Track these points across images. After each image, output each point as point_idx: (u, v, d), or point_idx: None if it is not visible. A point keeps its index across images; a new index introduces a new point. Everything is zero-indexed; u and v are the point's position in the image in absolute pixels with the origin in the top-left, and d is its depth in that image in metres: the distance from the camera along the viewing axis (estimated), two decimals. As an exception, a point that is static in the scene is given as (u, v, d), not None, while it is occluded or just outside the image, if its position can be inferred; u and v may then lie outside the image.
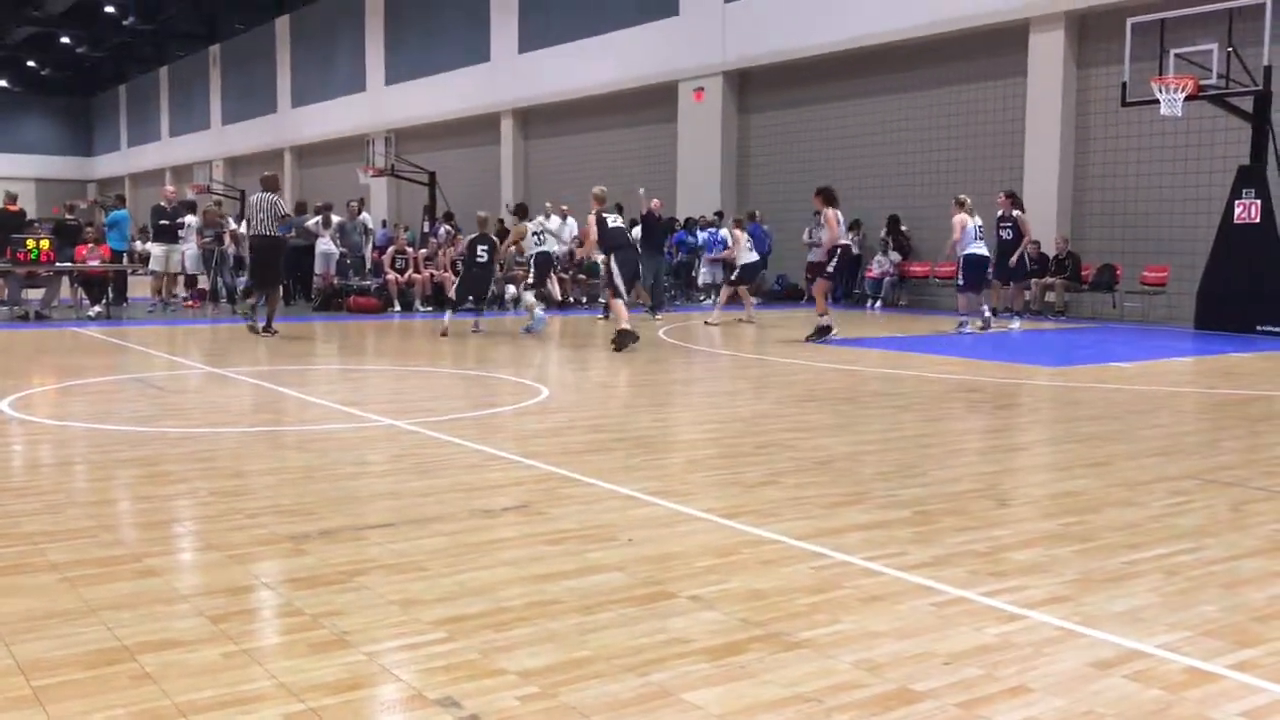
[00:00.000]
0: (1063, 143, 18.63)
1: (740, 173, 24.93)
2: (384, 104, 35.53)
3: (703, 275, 22.57)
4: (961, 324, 15.23)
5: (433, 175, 26.73)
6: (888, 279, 20.91)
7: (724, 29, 24.16)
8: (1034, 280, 18.19)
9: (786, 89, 23.56)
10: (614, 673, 3.08)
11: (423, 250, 20.90)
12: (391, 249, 20.24)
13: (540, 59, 29.21)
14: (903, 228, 20.97)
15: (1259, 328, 14.48)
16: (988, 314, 15.38)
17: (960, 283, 15.40)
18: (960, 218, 14.95)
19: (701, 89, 24.88)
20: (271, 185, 14.73)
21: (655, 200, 20.20)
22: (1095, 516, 5.08)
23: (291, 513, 4.99)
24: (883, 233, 21.07)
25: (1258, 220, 14.73)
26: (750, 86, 24.59)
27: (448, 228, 21.71)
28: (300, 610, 3.62)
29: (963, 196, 15.46)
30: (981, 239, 15.00)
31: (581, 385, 10.24)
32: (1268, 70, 14.44)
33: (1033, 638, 3.45)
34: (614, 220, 13.58)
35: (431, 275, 20.10)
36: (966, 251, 14.94)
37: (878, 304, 20.78)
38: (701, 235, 22.58)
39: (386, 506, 5.16)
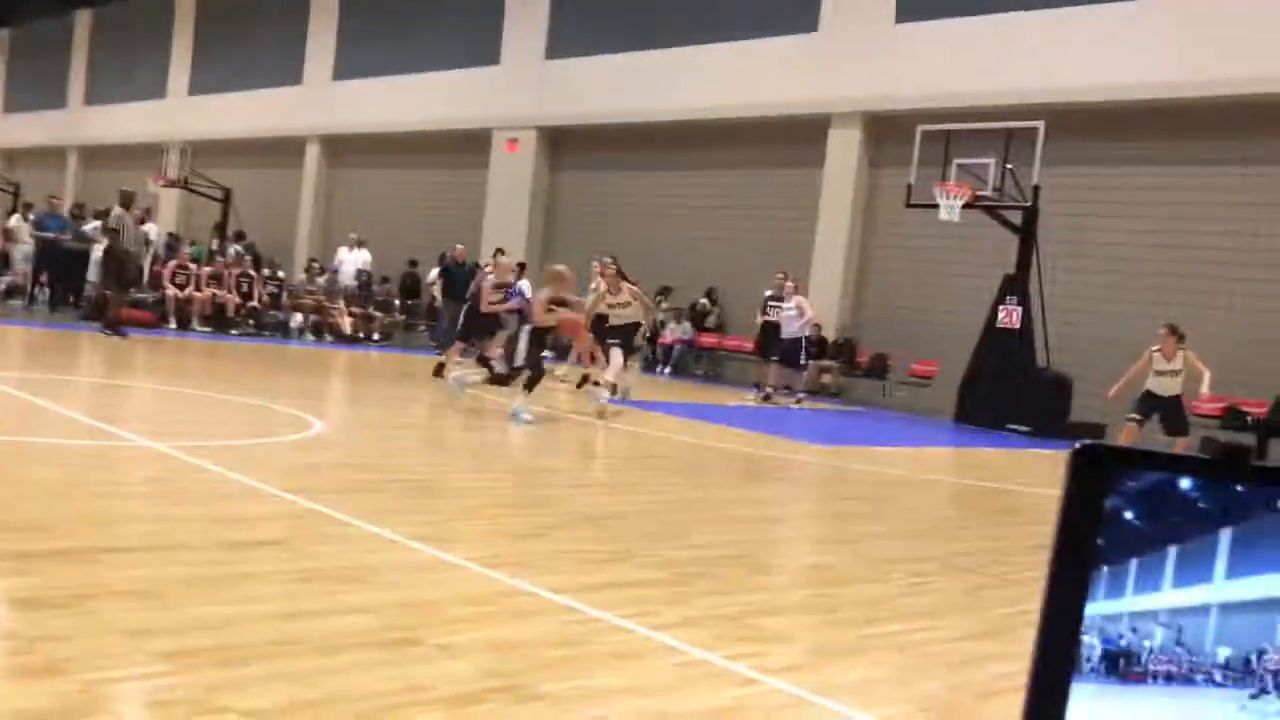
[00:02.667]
0: (850, 234, 19.63)
1: (547, 227, 25.09)
2: (184, 114, 34.10)
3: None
4: (767, 395, 16.05)
5: (228, 192, 25.78)
6: (678, 346, 21.40)
7: (542, 84, 24.41)
8: (812, 362, 18.99)
9: (599, 151, 23.96)
10: (343, 717, 3.01)
11: (208, 269, 20.07)
12: (174, 263, 19.36)
13: (355, 89, 28.74)
14: (702, 300, 21.56)
15: (1008, 426, 15.53)
16: (783, 391, 16.21)
17: (775, 357, 16.31)
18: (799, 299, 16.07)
19: (516, 140, 25.01)
20: None
21: (459, 247, 20.16)
22: (841, 590, 5.30)
23: (24, 529, 4.67)
24: (678, 303, 21.59)
25: (1018, 326, 15.86)
26: (564, 144, 24.88)
27: (238, 248, 20.95)
28: (15, 633, 3.38)
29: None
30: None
31: (358, 423, 10.01)
32: (1036, 189, 15.66)
33: (765, 703, 3.56)
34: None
35: (214, 295, 19.31)
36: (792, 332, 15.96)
37: (667, 370, 21.22)
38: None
39: (131, 530, 4.89)
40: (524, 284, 16.28)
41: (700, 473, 8.82)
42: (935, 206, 15.89)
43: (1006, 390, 15.55)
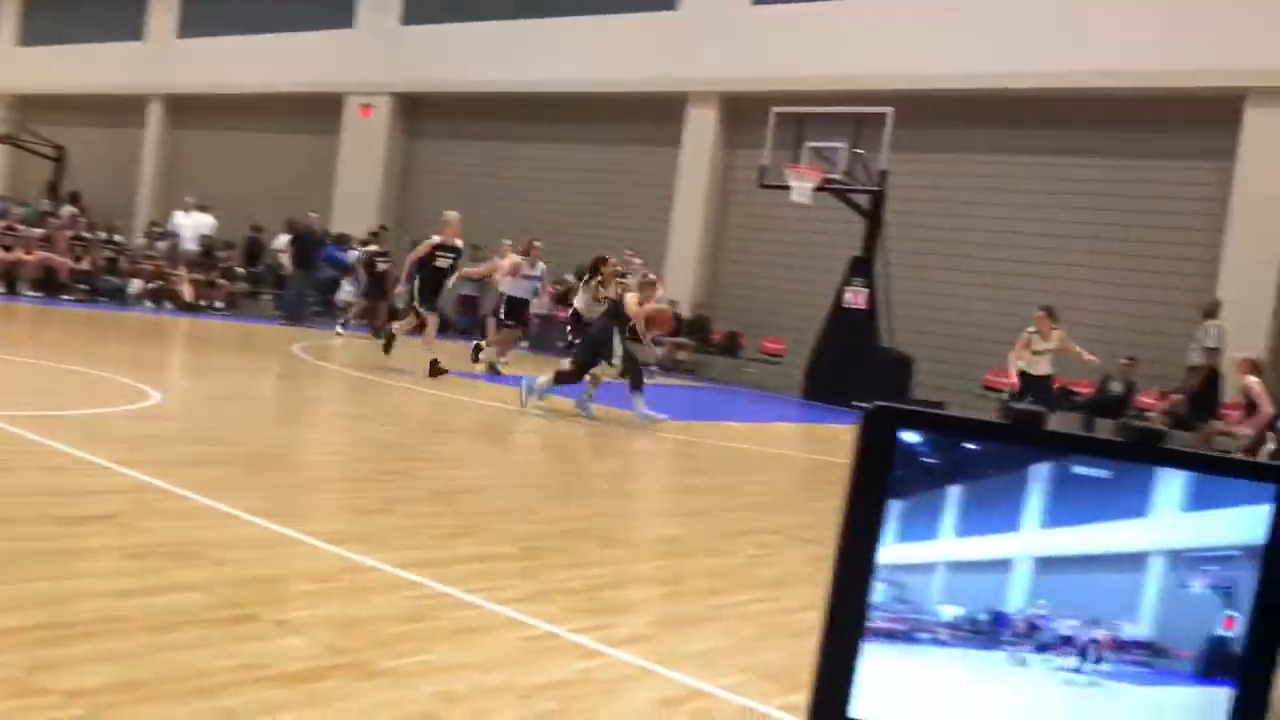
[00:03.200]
0: (706, 213, 19.85)
1: (402, 196, 24.63)
2: (12, 67, 32.16)
3: (344, 293, 21.98)
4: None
5: (61, 151, 24.49)
6: (535, 321, 21.29)
7: (399, 49, 23.89)
8: (667, 339, 19.17)
9: (457, 120, 23.60)
10: (176, 696, 2.92)
11: (38, 230, 19.04)
12: (2, 224, 18.31)
13: (201, 47, 27.58)
14: (568, 276, 21.49)
15: (854, 403, 15.99)
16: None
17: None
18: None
19: (370, 105, 24.42)
20: None
21: (312, 214, 19.68)
22: (687, 561, 5.39)
23: None
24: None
25: (864, 307, 16.33)
26: (420, 112, 24.42)
27: (73, 209, 19.94)
28: None
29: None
30: None
31: (198, 394, 9.67)
32: (884, 174, 16.11)
33: (610, 674, 3.60)
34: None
35: (45, 259, 18.33)
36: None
37: (525, 344, 21.10)
38: (355, 254, 22.03)
39: (-56, 505, 4.62)
40: (541, 266, 15.85)
41: (558, 448, 8.83)
42: (787, 188, 16.18)
43: (851, 369, 15.98)
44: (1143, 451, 0.72)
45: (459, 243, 13.31)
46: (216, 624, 3.56)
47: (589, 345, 10.89)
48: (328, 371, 12.81)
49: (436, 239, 13.06)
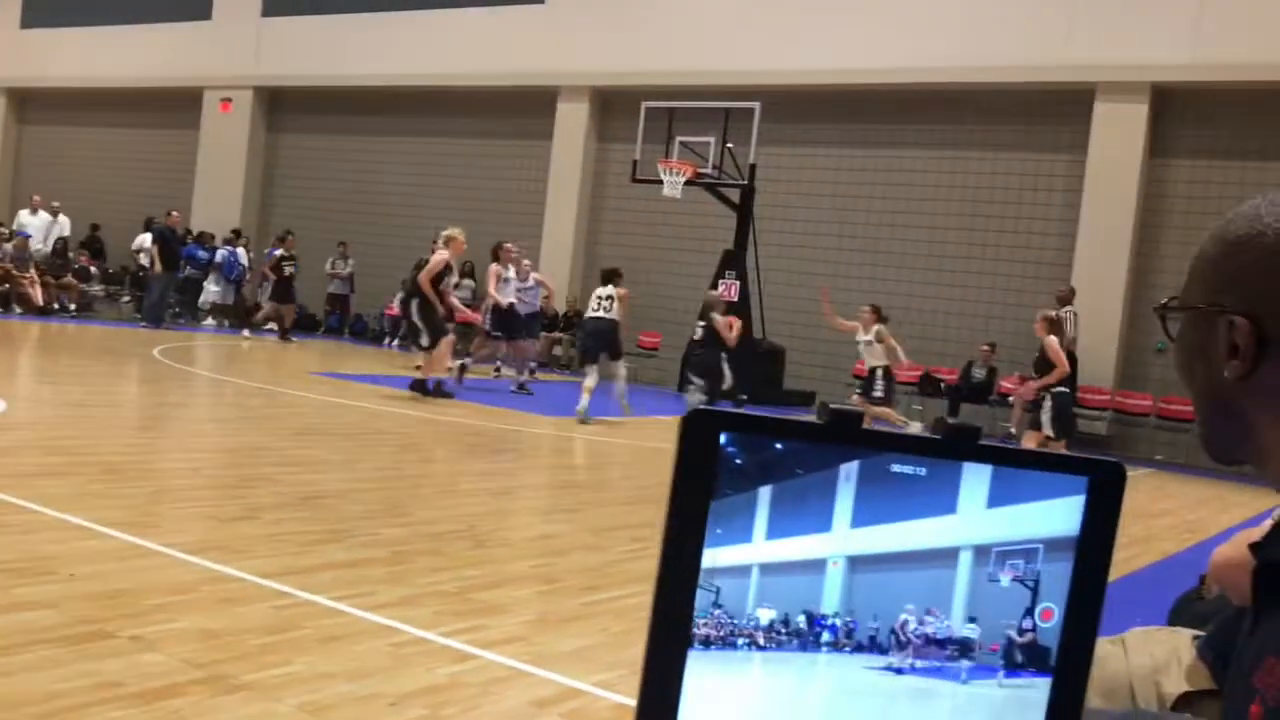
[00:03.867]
0: (579, 208, 19.82)
1: (265, 192, 23.97)
2: None
3: (209, 294, 21.34)
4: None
5: (-104, 148, 23.13)
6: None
7: (258, 42, 23.23)
8: (544, 334, 19.09)
9: (322, 114, 23.06)
10: (20, 721, 2.78)
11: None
12: None
13: (47, 38, 26.37)
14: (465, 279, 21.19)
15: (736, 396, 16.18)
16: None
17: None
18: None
19: (229, 100, 23.69)
20: None
21: (174, 213, 19.08)
22: (562, 559, 5.37)
23: None
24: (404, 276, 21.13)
25: (736, 299, 16.51)
26: (283, 106, 23.79)
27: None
28: None
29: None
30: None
31: (49, 401, 9.25)
32: (753, 167, 16.32)
33: (482, 677, 3.56)
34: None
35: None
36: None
37: (394, 342, 20.77)
38: (220, 253, 21.39)
39: None
40: (532, 275, 15.45)
41: (427, 448, 8.71)
42: (660, 182, 16.26)
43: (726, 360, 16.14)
44: (955, 448, 0.72)
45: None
46: (68, 642, 3.40)
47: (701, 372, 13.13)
48: (190, 375, 12.39)
49: (445, 254, 12.26)
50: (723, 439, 0.70)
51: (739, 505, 0.70)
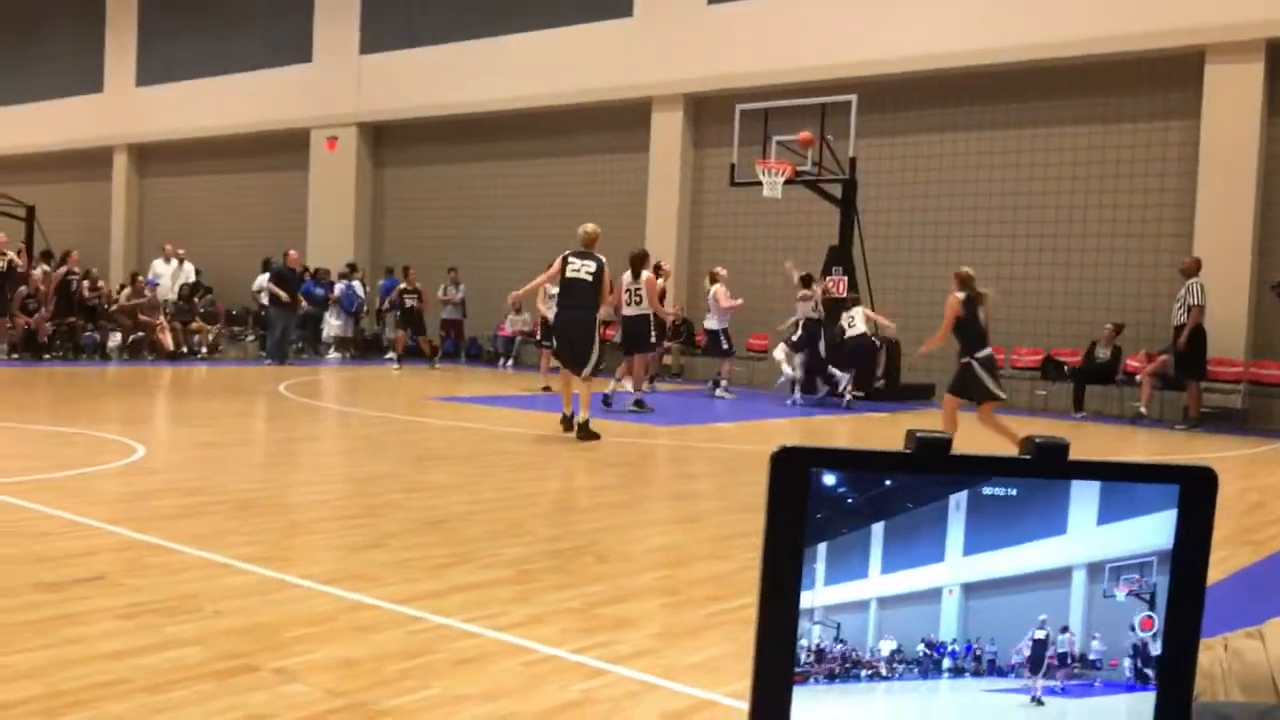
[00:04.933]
0: (679, 216, 19.85)
1: (375, 225, 24.61)
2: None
3: (330, 328, 22.03)
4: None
5: (31, 210, 24.37)
6: (519, 338, 21.26)
7: (359, 80, 23.89)
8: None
9: (423, 145, 23.59)
10: (176, 757, 2.89)
11: (22, 288, 18.91)
12: (23, 290, 18.23)
13: (161, 94, 27.54)
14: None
15: (839, 392, 15.97)
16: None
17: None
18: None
19: (335, 138, 24.40)
20: None
21: (292, 253, 19.85)
22: (684, 570, 5.38)
23: None
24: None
25: (844, 295, 16.32)
26: (386, 140, 24.40)
27: (45, 268, 19.84)
28: None
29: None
30: None
31: (183, 444, 9.62)
32: (853, 161, 16.13)
33: (614, 692, 3.58)
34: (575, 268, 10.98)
35: (26, 323, 18.23)
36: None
37: (509, 363, 21.08)
38: (339, 287, 22.06)
39: (-67, 581, 4.58)
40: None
41: (544, 465, 8.81)
42: (758, 184, 16.19)
43: (834, 358, 15.98)
44: (1048, 467, 0.71)
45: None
46: (215, 677, 3.53)
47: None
48: (314, 409, 12.77)
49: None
50: (832, 480, 0.70)
51: (854, 543, 0.71)
